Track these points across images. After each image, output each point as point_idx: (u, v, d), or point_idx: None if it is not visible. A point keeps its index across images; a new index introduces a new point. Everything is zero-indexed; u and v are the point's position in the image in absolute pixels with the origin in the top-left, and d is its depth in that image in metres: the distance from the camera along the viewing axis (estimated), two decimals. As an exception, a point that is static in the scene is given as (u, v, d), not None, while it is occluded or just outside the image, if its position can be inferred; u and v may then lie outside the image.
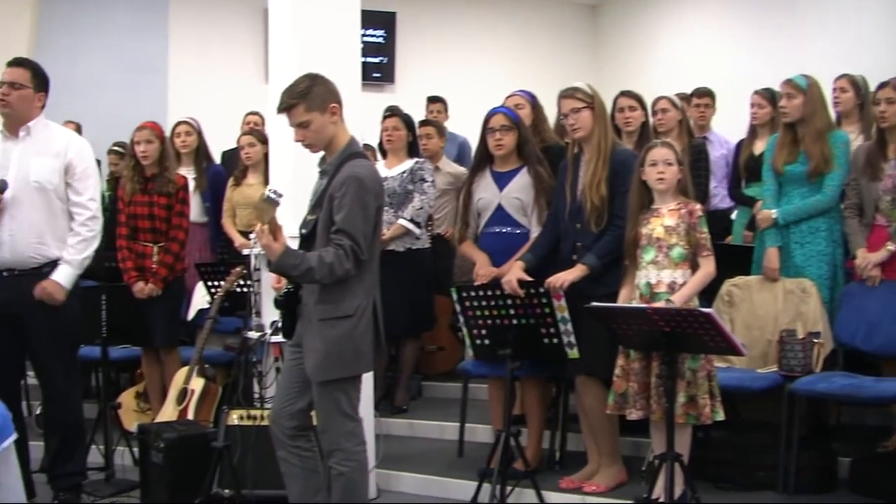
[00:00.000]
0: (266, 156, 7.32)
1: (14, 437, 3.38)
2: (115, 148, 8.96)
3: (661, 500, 4.86)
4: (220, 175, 8.24)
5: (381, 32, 13.33)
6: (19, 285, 5.39)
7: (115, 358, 7.18)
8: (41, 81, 5.59)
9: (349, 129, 4.79)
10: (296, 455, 4.75)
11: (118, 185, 8.25)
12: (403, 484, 6.26)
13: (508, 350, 5.41)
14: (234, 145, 8.95)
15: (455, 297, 5.66)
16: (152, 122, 7.16)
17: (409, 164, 7.32)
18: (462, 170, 8.20)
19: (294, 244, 4.68)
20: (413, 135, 7.47)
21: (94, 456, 6.31)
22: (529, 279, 5.46)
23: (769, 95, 7.19)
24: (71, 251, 5.47)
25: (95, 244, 5.59)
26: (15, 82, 5.48)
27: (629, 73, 12.53)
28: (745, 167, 7.18)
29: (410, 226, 7.14)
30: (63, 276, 5.42)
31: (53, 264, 5.44)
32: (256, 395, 6.06)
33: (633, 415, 5.11)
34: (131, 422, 6.93)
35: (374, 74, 13.04)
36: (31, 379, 5.82)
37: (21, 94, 5.47)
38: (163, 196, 6.97)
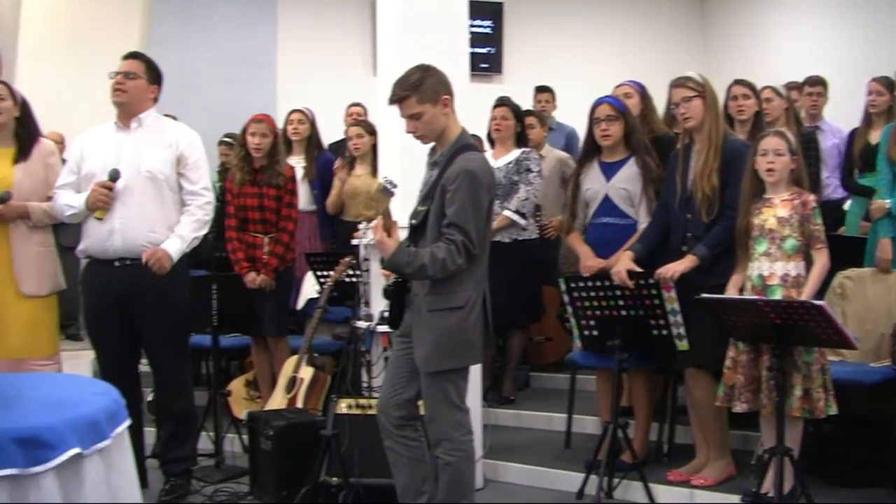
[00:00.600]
0: (374, 147, 7.35)
1: (128, 422, 3.43)
2: (225, 139, 9.07)
3: (770, 494, 4.80)
4: (330, 164, 8.30)
5: (488, 23, 13.32)
6: (132, 274, 5.49)
7: (226, 346, 7.30)
8: (154, 74, 5.69)
9: (459, 121, 4.79)
10: (402, 444, 4.78)
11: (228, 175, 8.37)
12: (510, 474, 6.26)
13: (617, 341, 5.39)
14: (341, 137, 9.03)
15: (563, 287, 5.64)
16: (268, 116, 7.23)
17: (515, 154, 7.29)
18: (565, 155, 8.18)
19: (402, 235, 4.70)
20: (522, 125, 7.43)
21: (205, 442, 6.42)
22: (639, 270, 5.43)
23: (887, 83, 7.05)
24: (184, 227, 5.55)
25: (207, 228, 5.69)
26: (130, 72, 5.57)
27: (739, 63, 12.34)
28: (860, 156, 7.06)
29: (516, 217, 7.12)
30: (173, 247, 5.50)
31: None
32: (365, 385, 6.09)
33: (739, 407, 5.05)
34: (241, 409, 7.04)
35: (482, 65, 13.04)
36: (144, 366, 5.91)
37: (135, 84, 5.57)
38: (272, 187, 7.03)
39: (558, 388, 7.48)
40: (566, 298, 5.65)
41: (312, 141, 8.24)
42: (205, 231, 5.67)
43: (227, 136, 9.06)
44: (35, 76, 9.71)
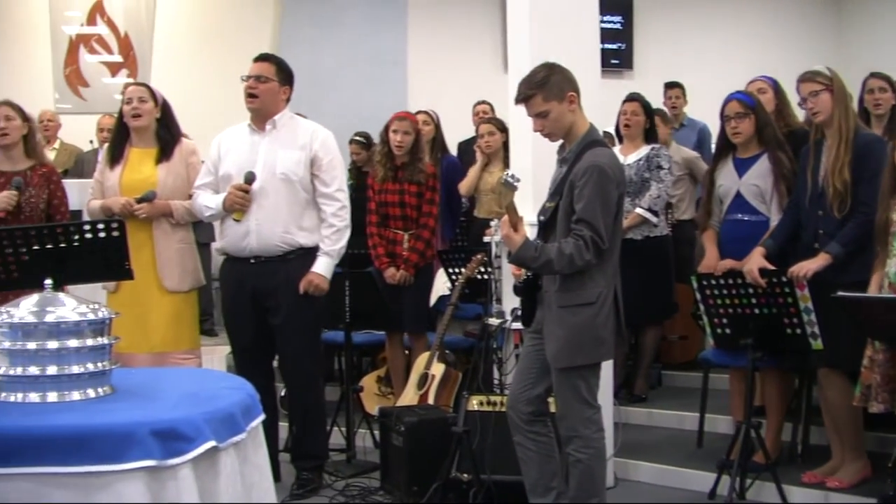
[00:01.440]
0: (505, 144, 7.36)
1: (262, 417, 3.49)
2: (357, 138, 9.15)
3: (909, 497, 4.70)
4: (454, 166, 8.32)
5: (618, 18, 13.21)
6: (266, 271, 5.61)
7: (358, 342, 7.35)
8: (286, 75, 5.77)
9: (588, 117, 4.77)
10: (532, 440, 4.79)
11: (360, 174, 8.47)
12: (641, 473, 6.22)
13: (750, 340, 5.32)
14: (471, 135, 9.05)
15: (695, 285, 5.59)
16: (410, 114, 7.29)
17: (645, 150, 7.22)
18: (693, 154, 8.09)
19: (533, 231, 4.70)
20: (651, 121, 7.37)
21: (336, 437, 6.49)
22: (771, 267, 5.34)
23: None
24: (327, 242, 5.65)
25: (348, 233, 5.75)
26: (261, 76, 5.67)
27: (875, 56, 12.00)
28: None
29: (648, 214, 7.06)
30: (324, 267, 5.64)
31: (297, 252, 5.63)
32: (496, 382, 6.10)
33: (875, 408, 4.92)
34: (373, 405, 7.10)
35: (613, 61, 12.93)
36: (276, 361, 6.02)
37: (267, 87, 5.66)
38: (413, 184, 7.09)
39: (691, 386, 7.39)
40: (698, 296, 5.59)
41: (437, 143, 8.27)
42: (346, 236, 5.74)
43: (358, 135, 9.14)
44: (169, 78, 9.93)
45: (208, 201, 5.68)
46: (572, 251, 4.39)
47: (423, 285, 7.24)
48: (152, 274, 5.77)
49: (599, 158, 4.52)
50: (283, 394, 6.56)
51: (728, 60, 12.65)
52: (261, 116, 5.70)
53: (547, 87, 4.60)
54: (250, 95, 5.66)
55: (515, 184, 4.54)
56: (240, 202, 5.54)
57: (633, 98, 7.42)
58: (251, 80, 5.66)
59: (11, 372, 3.18)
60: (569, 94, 4.63)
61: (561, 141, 4.77)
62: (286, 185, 5.61)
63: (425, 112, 8.27)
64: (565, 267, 4.42)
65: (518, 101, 4.70)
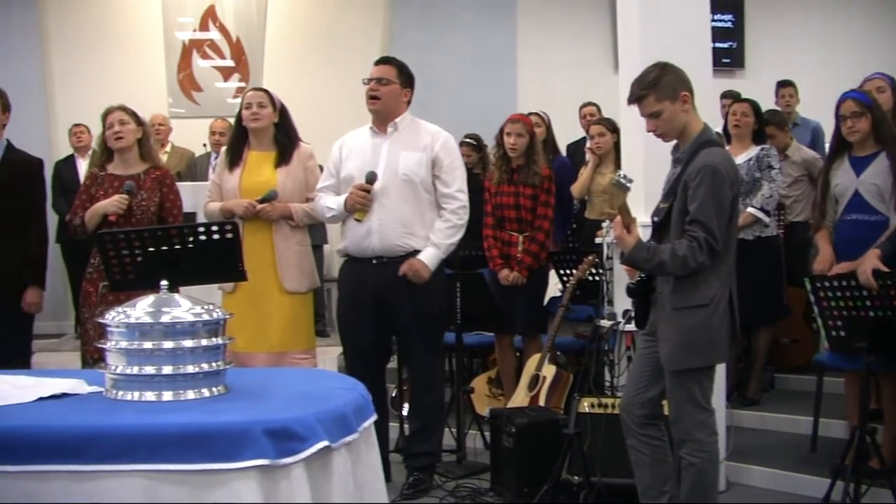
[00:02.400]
0: (616, 145, 7.32)
1: (374, 417, 3.51)
2: (467, 140, 9.15)
3: None
4: (566, 167, 8.29)
5: (729, 16, 13.04)
6: (388, 272, 5.64)
7: (469, 344, 7.37)
8: (407, 78, 5.80)
9: (701, 117, 4.72)
10: (645, 444, 4.74)
11: (470, 176, 8.49)
12: (753, 477, 6.13)
13: (864, 343, 5.20)
14: (581, 136, 9.02)
15: (809, 287, 5.48)
16: (524, 116, 7.29)
17: (754, 151, 7.13)
18: (812, 154, 7.97)
19: (646, 232, 4.66)
20: (760, 122, 7.28)
21: (447, 438, 6.50)
22: (885, 269, 5.22)
23: None
24: (439, 234, 5.67)
25: (462, 232, 5.76)
26: (382, 78, 5.71)
27: None
28: None
29: (760, 214, 6.98)
30: (429, 257, 5.64)
31: (419, 253, 5.65)
32: (607, 384, 6.07)
33: None
34: (483, 406, 7.11)
35: (724, 60, 12.77)
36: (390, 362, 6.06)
37: (389, 89, 5.70)
38: (528, 186, 7.08)
39: (804, 390, 7.27)
40: (812, 298, 5.48)
41: (548, 144, 8.24)
42: (460, 235, 5.75)
43: (468, 136, 9.13)
44: (280, 81, 10.03)
45: (330, 202, 5.74)
46: (686, 252, 4.35)
47: (537, 287, 7.23)
48: (272, 275, 5.85)
49: (713, 158, 4.46)
50: (393, 395, 6.60)
51: (840, 58, 12.43)
52: (382, 119, 5.74)
53: (660, 87, 4.56)
54: (372, 98, 5.70)
55: (628, 185, 4.51)
56: (361, 202, 5.58)
57: (743, 99, 7.33)
58: (373, 82, 5.71)
59: (128, 371, 3.25)
60: (682, 94, 4.58)
61: (675, 141, 4.72)
62: (408, 186, 5.65)
63: (536, 113, 8.25)
64: (678, 268, 4.38)
65: (630, 101, 4.66)
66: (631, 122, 5.59)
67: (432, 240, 5.67)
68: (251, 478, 2.83)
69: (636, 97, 4.62)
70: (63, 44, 11.93)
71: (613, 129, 7.63)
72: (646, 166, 5.60)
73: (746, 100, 7.34)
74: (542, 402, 6.47)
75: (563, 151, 9.08)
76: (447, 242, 5.69)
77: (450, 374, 7.69)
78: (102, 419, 3.03)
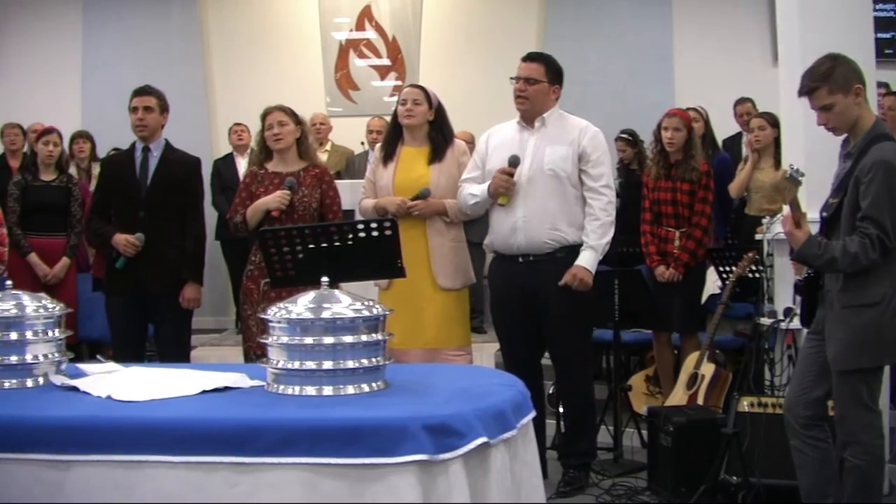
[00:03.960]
0: (776, 139, 7.19)
1: (532, 414, 3.50)
2: (623, 136, 9.08)
3: None
4: (725, 163, 8.17)
5: (891, 6, 12.66)
6: (535, 270, 5.62)
7: (627, 341, 7.34)
8: (555, 74, 5.76)
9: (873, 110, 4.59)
10: (809, 445, 4.64)
11: (627, 172, 8.44)
12: (920, 481, 5.95)
13: None
14: (736, 131, 8.88)
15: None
16: (681, 110, 7.23)
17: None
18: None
19: (813, 228, 4.56)
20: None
21: (604, 436, 6.46)
22: None
23: None
24: (592, 236, 5.60)
25: (612, 229, 5.68)
26: (530, 77, 5.68)
27: None
28: None
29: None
30: (588, 261, 5.57)
31: (566, 249, 5.61)
32: (767, 383, 5.97)
33: None
34: (640, 404, 7.06)
35: (886, 51, 12.41)
36: (546, 359, 6.02)
37: (537, 88, 5.67)
38: (686, 182, 7.01)
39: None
40: None
41: (707, 139, 8.12)
42: (612, 232, 5.68)
43: (624, 132, 9.07)
44: (436, 79, 10.06)
45: (474, 189, 5.73)
46: (857, 249, 4.24)
47: (694, 284, 7.15)
48: (427, 271, 5.87)
49: (886, 153, 4.33)
50: (550, 391, 6.58)
51: None
52: (530, 115, 5.72)
53: (832, 80, 4.44)
54: (520, 97, 5.68)
55: (800, 178, 4.41)
56: (504, 185, 5.56)
57: (892, 91, 7.12)
58: (520, 82, 5.68)
59: (289, 366, 3.30)
60: (855, 87, 4.46)
61: (845, 135, 4.60)
62: (554, 180, 5.61)
63: (695, 109, 8.14)
64: (849, 265, 4.27)
65: (802, 93, 4.55)
66: (792, 116, 5.48)
67: (587, 242, 5.60)
68: (410, 473, 2.85)
69: (808, 89, 4.51)
70: (223, 46, 12.22)
71: (774, 123, 7.46)
72: (807, 161, 5.48)
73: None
74: (700, 401, 6.38)
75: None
76: (602, 242, 5.62)
77: (607, 372, 7.66)
78: (264, 412, 3.10)
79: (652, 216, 7.15)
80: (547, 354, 6.04)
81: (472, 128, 7.68)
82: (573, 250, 5.60)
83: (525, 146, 5.70)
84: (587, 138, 5.68)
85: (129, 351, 6.06)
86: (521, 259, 5.67)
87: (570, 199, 5.66)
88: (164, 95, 6.33)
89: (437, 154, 5.99)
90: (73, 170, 8.90)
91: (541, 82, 5.69)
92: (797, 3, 5.79)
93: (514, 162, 5.57)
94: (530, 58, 5.79)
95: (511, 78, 5.74)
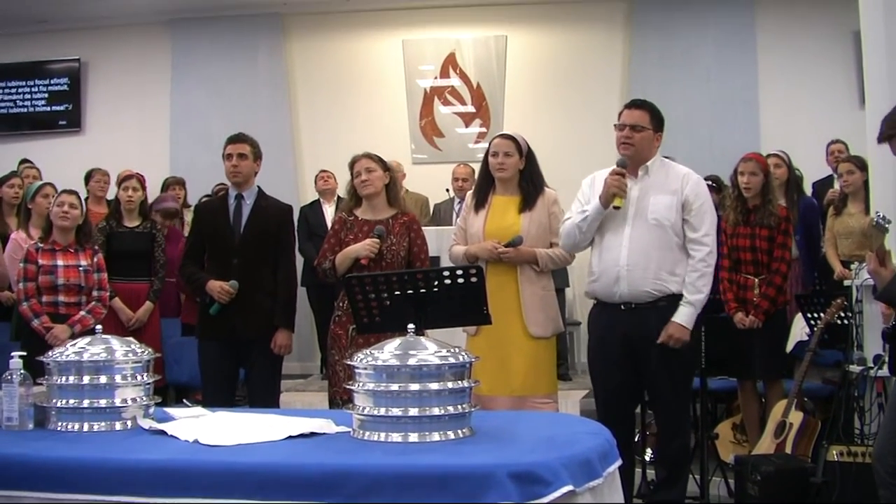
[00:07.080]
0: (866, 183, 7.11)
1: (619, 462, 3.49)
2: (707, 182, 9.02)
3: None
4: (812, 207, 8.10)
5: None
6: (637, 319, 5.54)
7: (713, 388, 7.27)
8: (658, 122, 5.71)
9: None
10: (900, 494, 4.57)
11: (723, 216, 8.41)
12: None
13: None
14: (827, 174, 8.81)
15: None
16: (758, 154, 7.19)
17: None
18: None
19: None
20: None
21: (691, 485, 6.38)
22: None
23: None
24: (691, 289, 5.50)
25: (711, 280, 5.61)
26: (636, 125, 5.64)
27: None
28: None
29: None
30: (686, 318, 5.47)
31: (669, 298, 5.56)
32: (857, 431, 5.88)
33: None
34: (727, 453, 6.98)
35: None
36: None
37: (642, 136, 5.62)
38: (764, 228, 6.96)
39: None
40: None
41: (791, 184, 8.06)
42: (710, 284, 5.59)
43: (707, 178, 9.00)
44: (521, 125, 10.09)
45: (577, 215, 5.66)
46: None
47: (776, 331, 7.07)
48: (517, 319, 5.88)
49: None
50: (636, 439, 6.53)
51: None
52: (634, 163, 5.68)
53: (909, 126, 4.40)
54: (625, 143, 5.65)
55: (886, 225, 4.38)
56: (616, 185, 5.48)
57: None
58: (627, 129, 5.64)
59: (375, 412, 3.34)
60: (935, 133, 4.41)
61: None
62: (658, 229, 5.55)
63: (776, 154, 8.08)
64: (937, 307, 4.22)
65: (880, 140, 4.52)
66: (880, 159, 5.44)
67: (686, 297, 5.51)
68: (496, 521, 2.85)
69: (886, 136, 4.48)
70: (309, 94, 12.40)
71: (862, 166, 7.40)
72: (896, 204, 5.44)
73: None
74: (788, 450, 6.30)
75: (809, 190, 8.88)
76: (700, 297, 5.52)
77: (694, 420, 7.59)
78: (350, 459, 3.13)
79: (730, 263, 7.09)
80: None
81: (557, 172, 7.60)
82: (675, 299, 5.52)
83: (629, 195, 5.64)
84: (690, 186, 5.61)
85: (220, 396, 6.14)
86: (622, 306, 5.62)
87: (674, 247, 5.58)
88: (258, 143, 6.43)
89: (527, 203, 6.01)
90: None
91: (646, 129, 5.64)
92: (885, 46, 5.76)
93: (624, 163, 5.51)
94: (635, 105, 5.74)
95: (615, 125, 5.71)
